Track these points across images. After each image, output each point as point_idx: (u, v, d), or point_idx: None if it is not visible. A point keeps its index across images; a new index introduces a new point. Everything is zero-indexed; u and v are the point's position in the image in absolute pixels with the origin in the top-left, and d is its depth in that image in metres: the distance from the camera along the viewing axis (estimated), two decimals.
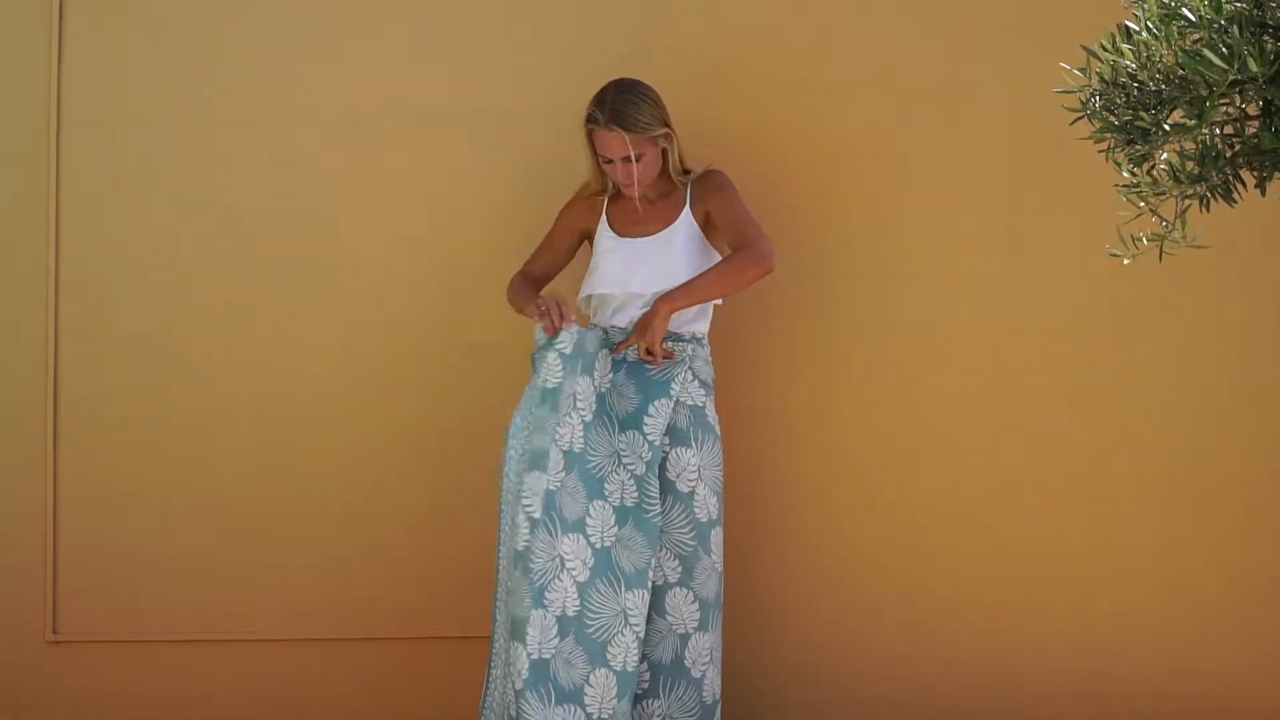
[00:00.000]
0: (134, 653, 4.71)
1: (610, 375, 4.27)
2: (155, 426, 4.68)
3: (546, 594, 4.08)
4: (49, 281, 4.63)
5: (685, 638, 4.27)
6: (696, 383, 4.32)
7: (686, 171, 4.40)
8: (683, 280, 4.30)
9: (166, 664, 4.71)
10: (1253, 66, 2.53)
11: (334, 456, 4.71)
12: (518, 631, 4.06)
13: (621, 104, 4.21)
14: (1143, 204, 2.88)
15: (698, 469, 4.27)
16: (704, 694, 4.28)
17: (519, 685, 4.05)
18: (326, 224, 4.69)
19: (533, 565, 4.08)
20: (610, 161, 4.27)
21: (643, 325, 4.25)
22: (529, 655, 4.05)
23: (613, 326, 4.33)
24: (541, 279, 4.47)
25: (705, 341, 4.38)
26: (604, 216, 4.40)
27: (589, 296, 4.38)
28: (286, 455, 4.70)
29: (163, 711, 4.71)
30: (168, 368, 4.67)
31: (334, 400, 4.70)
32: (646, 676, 4.27)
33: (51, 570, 4.67)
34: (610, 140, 4.23)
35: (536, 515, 4.09)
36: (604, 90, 4.26)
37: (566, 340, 4.16)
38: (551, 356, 4.16)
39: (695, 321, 4.36)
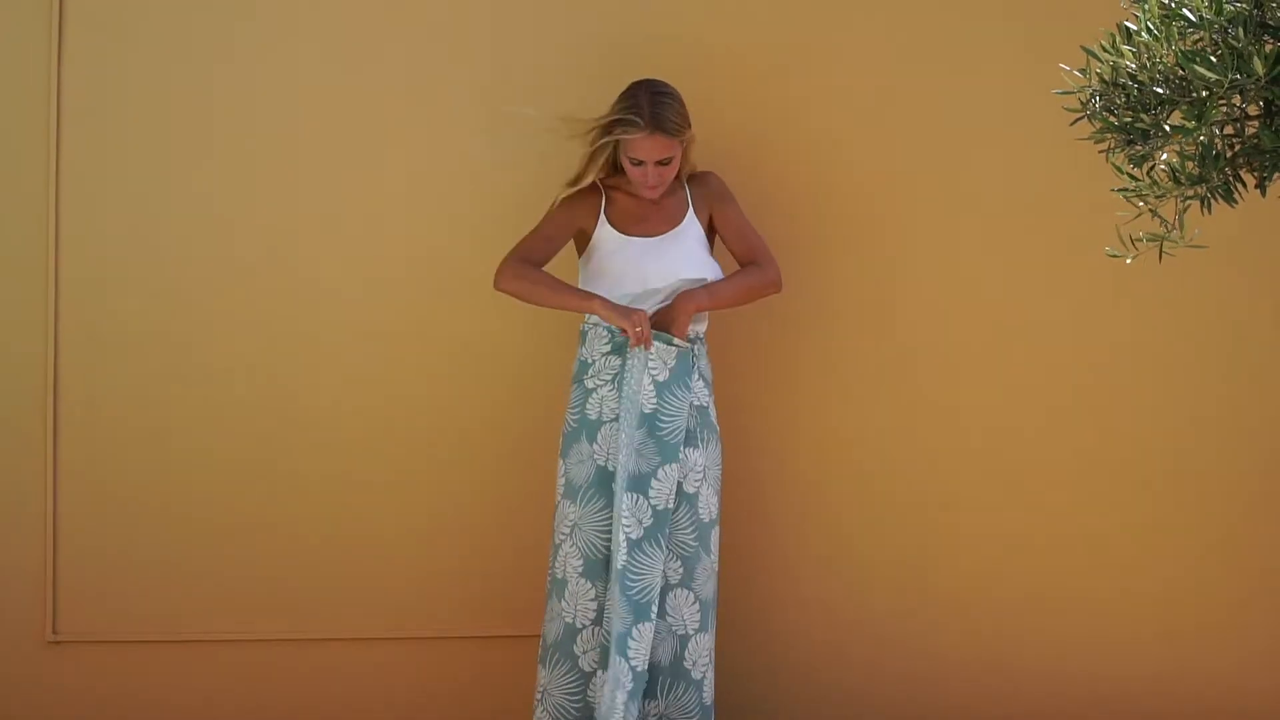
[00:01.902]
0: (134, 653, 4.70)
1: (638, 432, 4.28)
2: (155, 427, 4.67)
3: (652, 608, 4.14)
4: (49, 281, 4.62)
5: (685, 639, 4.26)
6: (701, 381, 4.33)
7: None
8: (694, 274, 4.31)
9: (166, 664, 4.71)
10: (1258, 68, 2.53)
11: (332, 457, 4.71)
12: (620, 646, 4.11)
13: (661, 107, 4.20)
14: (1142, 204, 2.89)
15: (703, 469, 4.28)
16: (704, 695, 4.28)
17: (621, 697, 4.09)
18: (327, 224, 4.68)
19: (630, 582, 4.12)
20: (640, 164, 4.25)
21: (666, 322, 4.26)
22: (633, 668, 4.10)
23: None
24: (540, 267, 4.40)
25: (704, 338, 4.39)
26: (603, 216, 4.38)
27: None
28: (286, 455, 4.70)
29: (162, 712, 4.71)
30: (167, 368, 4.66)
31: (334, 400, 4.70)
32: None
33: (51, 571, 4.66)
34: (650, 145, 4.21)
35: (634, 536, 4.15)
36: (636, 93, 4.24)
37: (660, 367, 4.22)
38: (647, 381, 4.22)
39: (699, 321, 4.37)
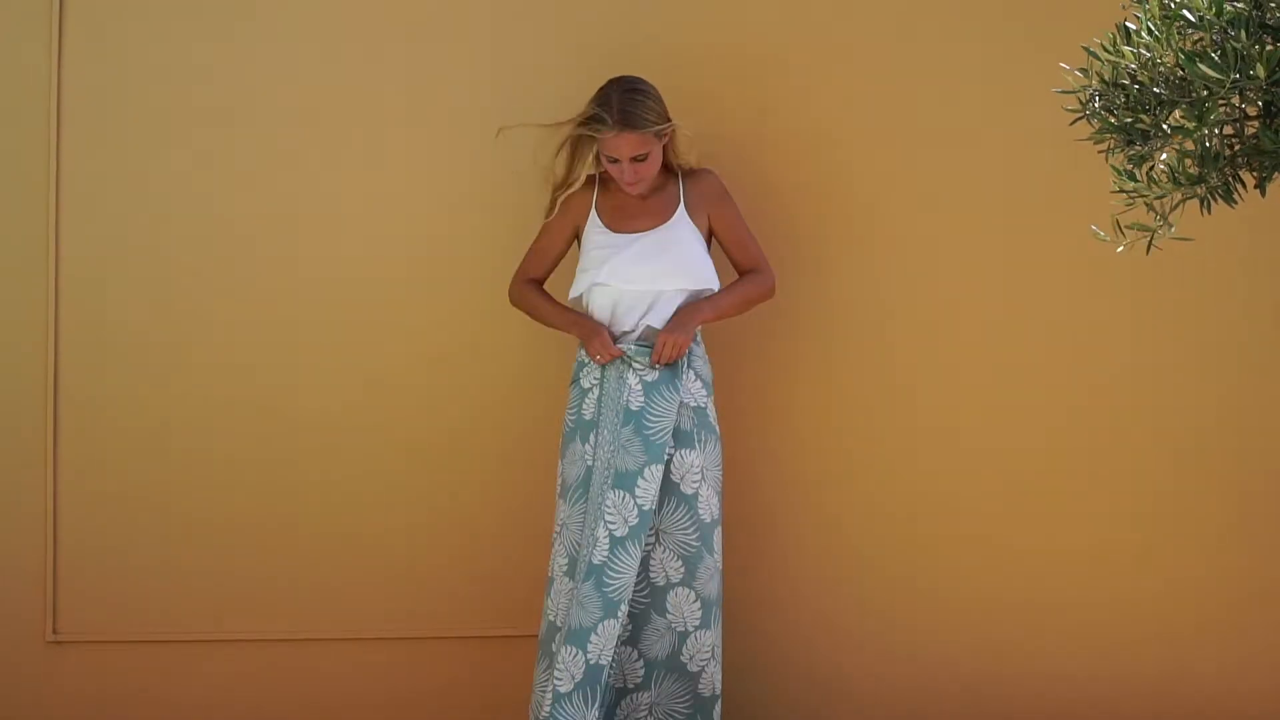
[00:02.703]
0: (134, 653, 4.70)
1: (621, 427, 4.28)
2: (155, 427, 4.67)
3: (621, 607, 4.14)
4: (49, 281, 4.62)
5: (684, 635, 4.28)
6: (699, 383, 4.33)
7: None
8: (681, 277, 4.31)
9: (166, 664, 4.71)
10: (1260, 72, 2.53)
11: (332, 456, 4.71)
12: (578, 638, 4.11)
13: (629, 104, 4.21)
14: (1140, 202, 2.88)
15: (701, 470, 4.28)
16: (700, 687, 4.29)
17: (566, 688, 4.09)
18: (326, 224, 4.69)
19: (609, 579, 4.12)
20: (616, 161, 4.27)
21: (668, 339, 4.25)
22: (587, 660, 4.11)
23: (621, 332, 4.34)
24: (543, 283, 4.50)
25: (700, 339, 4.40)
26: (593, 211, 4.39)
27: (581, 295, 4.37)
28: (286, 455, 4.70)
29: (163, 711, 4.71)
30: (167, 368, 4.67)
31: (333, 400, 4.70)
32: (641, 671, 4.28)
33: (51, 571, 4.66)
34: (619, 142, 4.23)
35: (619, 534, 4.15)
36: (606, 91, 4.26)
37: (646, 369, 4.24)
38: (632, 379, 4.24)
39: None
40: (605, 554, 4.15)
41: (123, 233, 4.65)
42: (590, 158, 4.33)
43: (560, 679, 4.11)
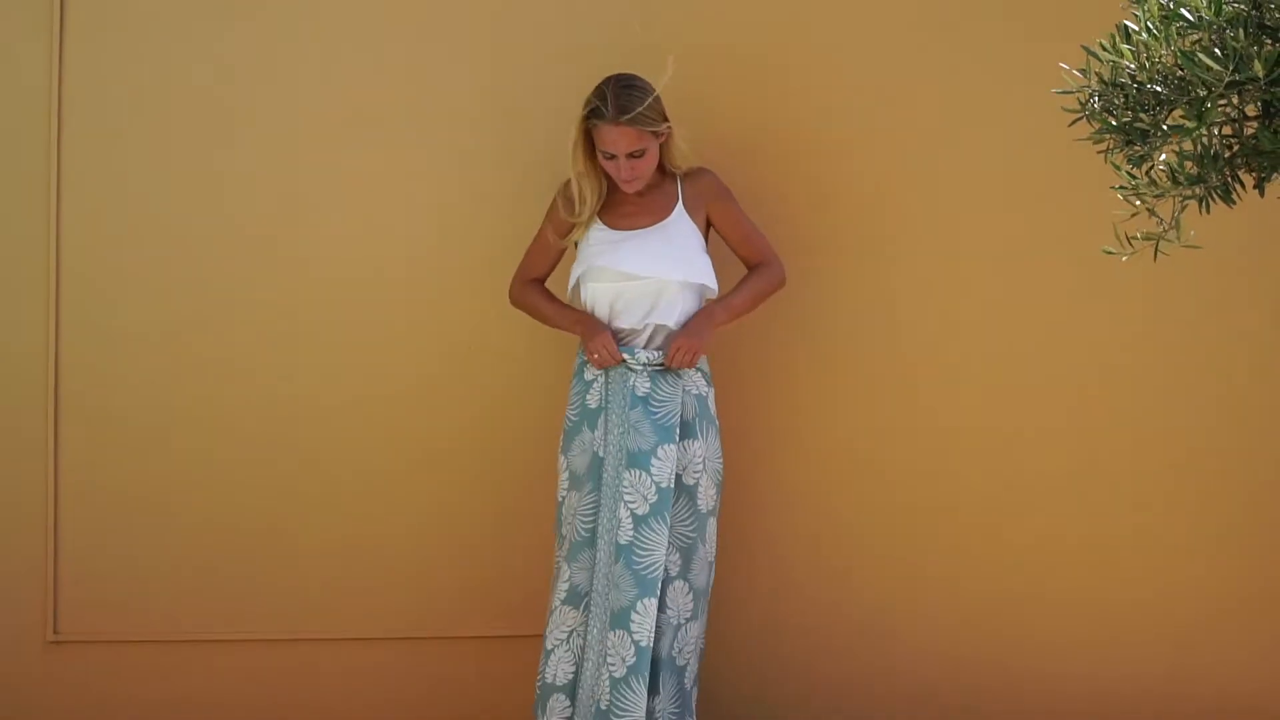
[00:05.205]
0: (134, 653, 4.71)
1: (627, 410, 4.28)
2: (155, 426, 4.68)
3: (659, 585, 4.14)
4: (49, 281, 4.63)
5: (678, 628, 4.28)
6: (699, 374, 4.34)
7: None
8: (681, 269, 4.31)
9: (166, 664, 4.71)
10: (1257, 69, 2.53)
11: (332, 457, 4.71)
12: (620, 620, 4.12)
13: (627, 98, 4.21)
14: (1139, 203, 2.88)
15: (703, 460, 4.29)
16: (685, 682, 4.30)
17: (620, 673, 4.10)
18: (326, 225, 4.69)
19: (638, 557, 4.13)
20: (612, 157, 4.26)
21: (684, 344, 4.26)
22: (635, 643, 4.11)
23: (622, 331, 4.34)
24: (543, 281, 4.51)
25: None
26: None
27: (578, 288, 4.37)
28: (287, 455, 4.70)
29: (163, 711, 4.71)
30: (168, 368, 4.67)
31: (333, 400, 4.71)
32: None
33: (52, 571, 4.67)
34: (616, 136, 4.22)
35: (640, 512, 4.15)
36: (604, 85, 4.25)
37: (642, 368, 4.26)
38: (636, 367, 4.26)
39: (692, 312, 4.37)
40: (631, 534, 4.16)
41: (123, 233, 4.65)
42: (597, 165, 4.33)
43: (614, 664, 4.12)
